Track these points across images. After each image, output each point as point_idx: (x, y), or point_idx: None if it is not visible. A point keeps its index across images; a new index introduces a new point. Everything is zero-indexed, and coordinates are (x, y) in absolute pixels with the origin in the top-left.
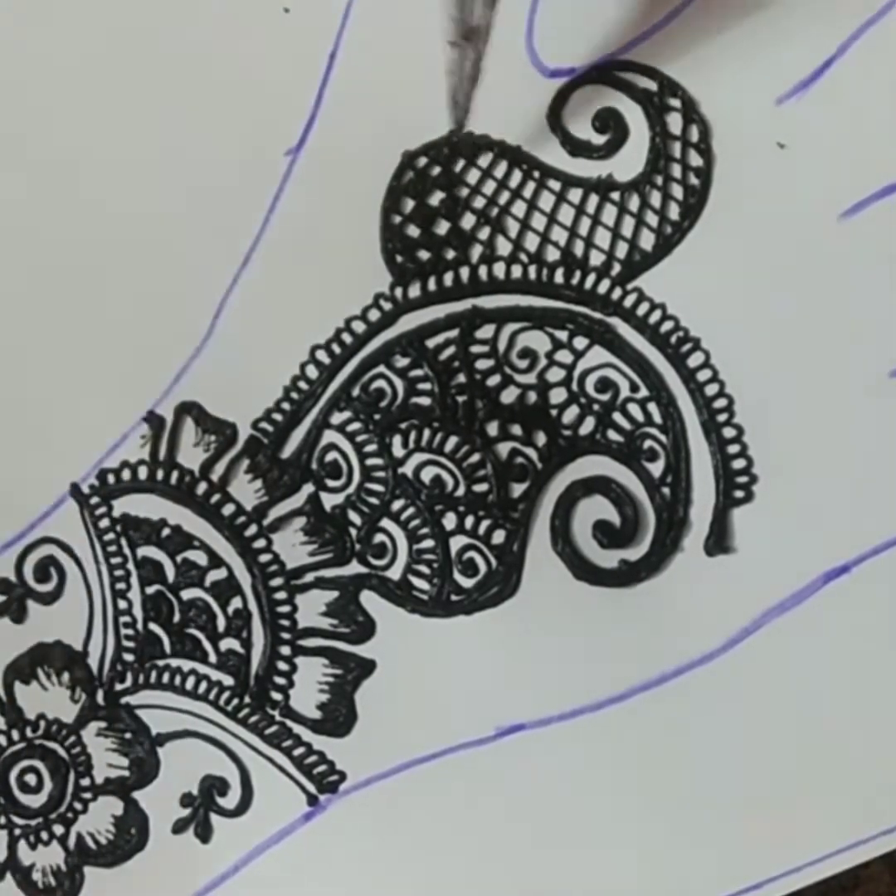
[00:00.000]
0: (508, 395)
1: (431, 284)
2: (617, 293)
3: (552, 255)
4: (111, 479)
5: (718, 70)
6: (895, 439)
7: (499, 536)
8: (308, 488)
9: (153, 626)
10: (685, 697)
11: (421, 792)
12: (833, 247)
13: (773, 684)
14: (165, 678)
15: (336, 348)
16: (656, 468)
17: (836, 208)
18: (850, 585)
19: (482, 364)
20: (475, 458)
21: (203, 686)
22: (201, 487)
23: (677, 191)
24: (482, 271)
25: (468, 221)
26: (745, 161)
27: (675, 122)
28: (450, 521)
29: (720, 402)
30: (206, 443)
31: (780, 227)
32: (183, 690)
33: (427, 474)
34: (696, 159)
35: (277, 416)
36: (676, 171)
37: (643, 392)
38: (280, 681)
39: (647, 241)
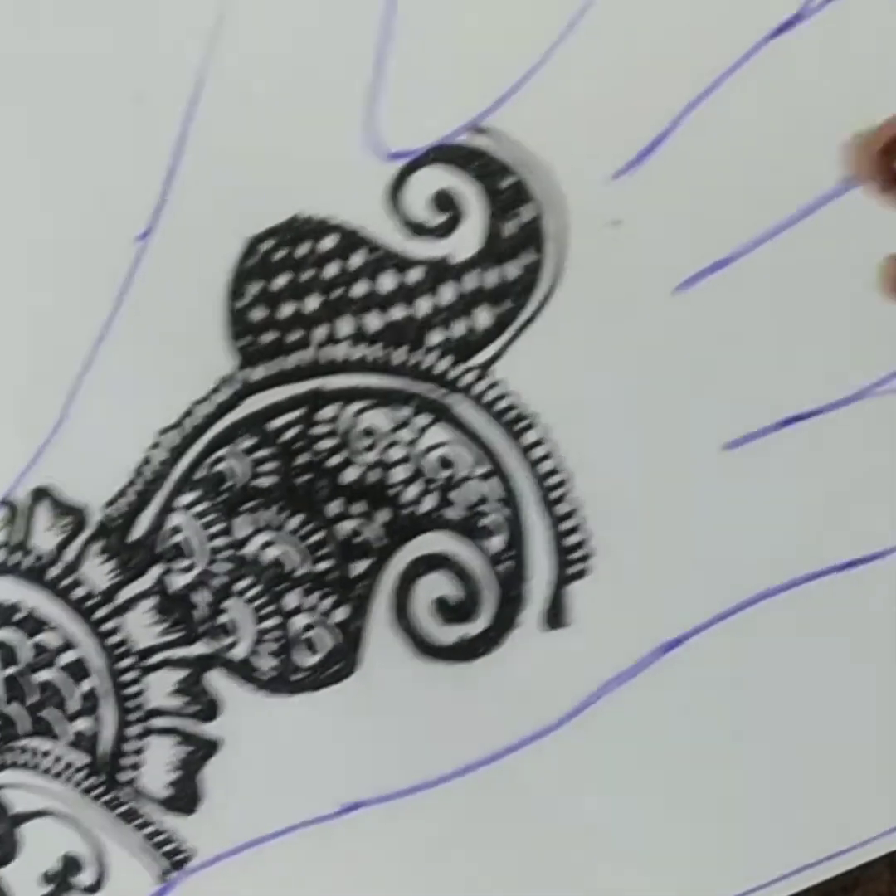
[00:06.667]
0: (351, 474)
1: (275, 366)
2: (456, 371)
3: (393, 334)
4: None
5: (553, 149)
6: (729, 511)
7: (340, 614)
8: (157, 569)
9: (10, 708)
10: (528, 769)
11: (266, 869)
12: (667, 321)
13: (616, 752)
14: (23, 758)
15: (182, 431)
16: (495, 544)
17: (670, 283)
18: (685, 655)
19: (325, 444)
20: (317, 536)
21: (59, 765)
22: (54, 570)
23: (513, 269)
24: (325, 352)
25: (312, 303)
26: (580, 238)
27: (510, 202)
28: (292, 599)
29: (556, 478)
30: (60, 526)
31: (616, 303)
32: (40, 770)
33: (270, 554)
34: (531, 238)
35: (126, 499)
36: (512, 249)
37: (481, 469)
38: (130, 760)
39: (484, 319)
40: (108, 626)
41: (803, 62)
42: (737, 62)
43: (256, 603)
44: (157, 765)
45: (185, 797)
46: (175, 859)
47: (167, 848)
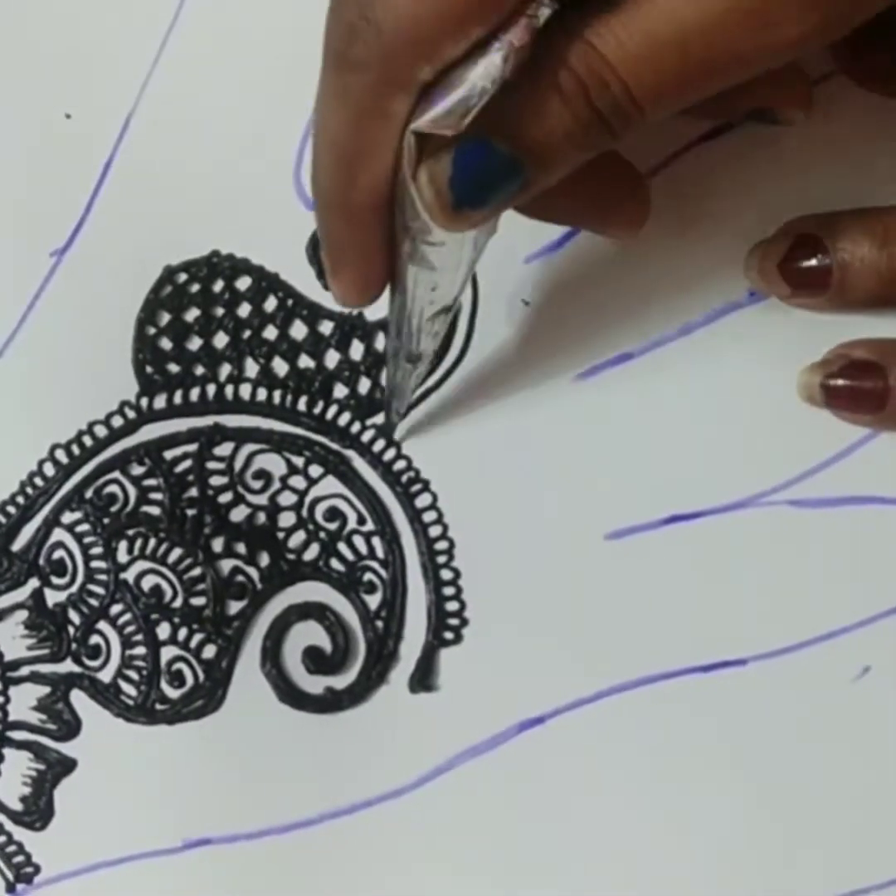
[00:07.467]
0: (238, 514)
1: (177, 397)
2: (355, 427)
3: (297, 382)
4: None
5: None
6: (603, 601)
7: (209, 651)
8: (34, 583)
9: None
10: (373, 828)
11: (104, 894)
12: (565, 406)
13: (459, 824)
14: None
15: (75, 449)
16: (373, 601)
17: (572, 370)
18: (543, 736)
19: (216, 480)
20: (196, 571)
21: None
22: None
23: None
24: (228, 390)
25: (220, 340)
26: (491, 312)
27: None
28: (164, 630)
29: (441, 544)
30: None
31: (520, 382)
32: None
33: (147, 582)
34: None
35: (11, 509)
36: None
37: (370, 526)
38: None
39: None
40: None
41: (724, 170)
42: (656, 166)
43: (128, 629)
44: (12, 778)
45: (36, 813)
46: (22, 872)
47: (16, 860)
